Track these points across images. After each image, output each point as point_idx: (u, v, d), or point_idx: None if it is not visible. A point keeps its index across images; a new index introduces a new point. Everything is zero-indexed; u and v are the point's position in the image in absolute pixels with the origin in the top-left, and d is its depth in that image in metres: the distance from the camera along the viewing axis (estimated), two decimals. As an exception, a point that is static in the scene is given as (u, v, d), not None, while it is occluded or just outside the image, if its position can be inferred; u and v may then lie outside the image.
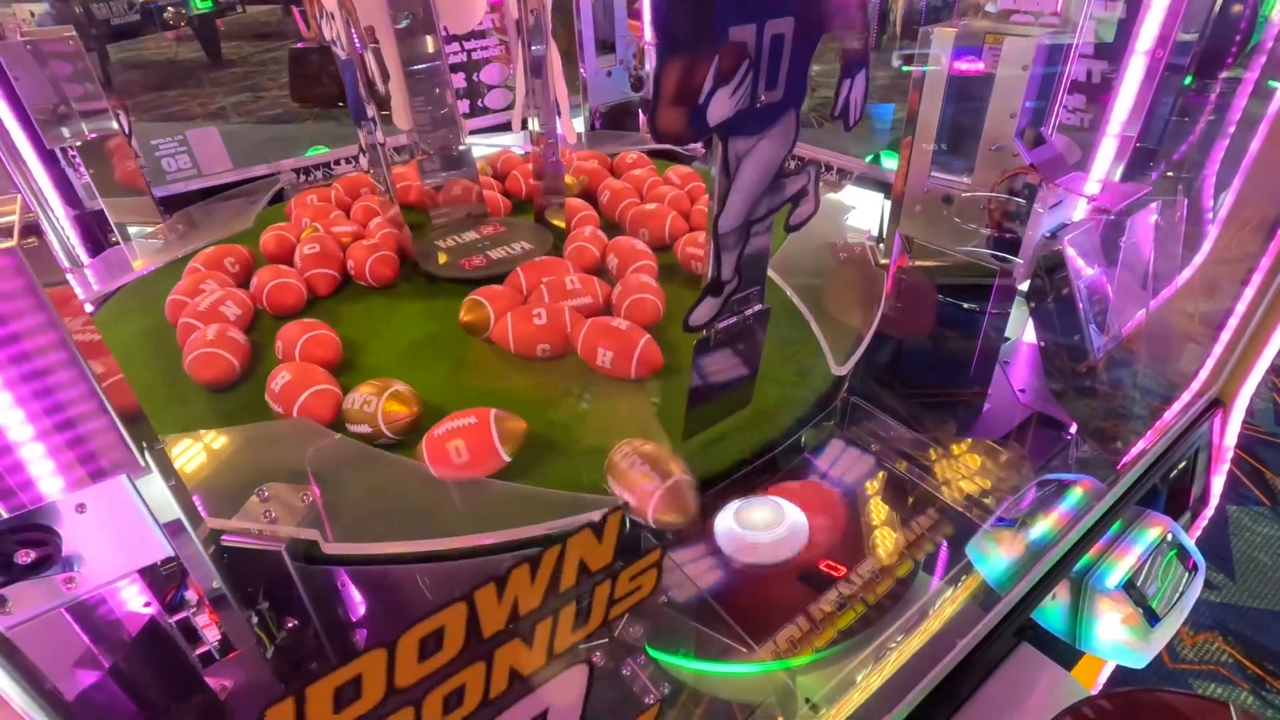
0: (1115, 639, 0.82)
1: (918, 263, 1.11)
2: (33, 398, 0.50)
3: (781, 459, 0.95)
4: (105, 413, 0.52)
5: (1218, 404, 1.12)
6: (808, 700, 0.68)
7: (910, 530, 0.86)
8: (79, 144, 1.41)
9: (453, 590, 0.24)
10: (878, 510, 0.91)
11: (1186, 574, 0.89)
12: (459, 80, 1.98)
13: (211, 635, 0.69)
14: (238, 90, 6.26)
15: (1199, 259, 1.12)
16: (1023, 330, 1.22)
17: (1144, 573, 0.85)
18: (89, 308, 1.29)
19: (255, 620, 0.71)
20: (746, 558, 0.80)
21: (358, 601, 0.79)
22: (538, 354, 1.06)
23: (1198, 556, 0.92)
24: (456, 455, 0.82)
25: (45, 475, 0.52)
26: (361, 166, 1.88)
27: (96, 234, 1.55)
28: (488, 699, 0.23)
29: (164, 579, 0.68)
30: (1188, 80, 1.35)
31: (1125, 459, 0.98)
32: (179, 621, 0.68)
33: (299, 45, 5.35)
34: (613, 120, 2.09)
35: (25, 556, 0.51)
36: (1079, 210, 1.03)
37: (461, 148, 1.47)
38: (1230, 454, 1.16)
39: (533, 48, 1.33)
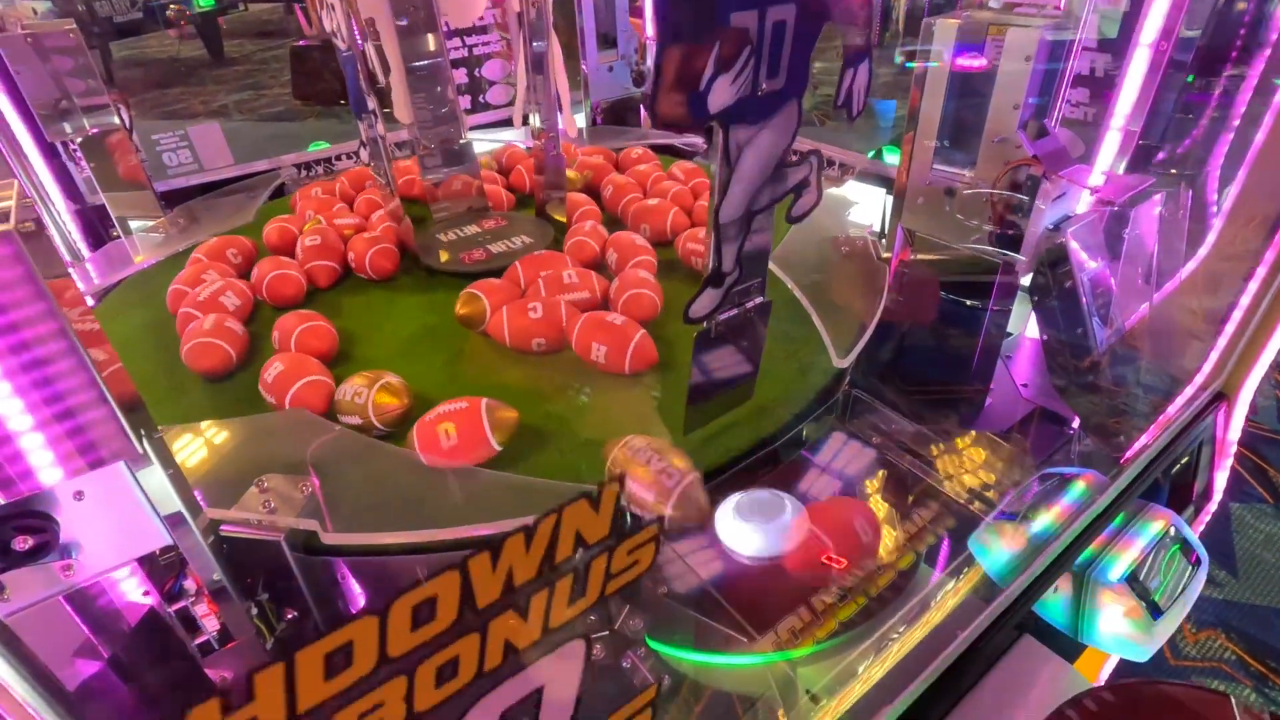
0: (1118, 632, 0.81)
1: (920, 256, 1.11)
2: (29, 384, 0.50)
3: (782, 452, 0.94)
4: (103, 400, 0.52)
5: (1221, 397, 1.11)
6: (808, 691, 0.68)
7: (912, 523, 0.85)
8: (80, 139, 1.41)
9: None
10: (879, 503, 0.90)
11: (1189, 568, 0.88)
12: (460, 75, 1.98)
13: (210, 625, 0.69)
14: (239, 88, 6.26)
15: (1203, 251, 1.12)
16: (1025, 325, 1.21)
17: (1147, 566, 0.85)
18: (89, 301, 1.29)
19: (255, 611, 0.70)
20: (748, 549, 0.79)
21: (357, 593, 0.79)
22: (533, 348, 1.06)
23: (1201, 550, 0.91)
24: (445, 438, 0.82)
25: (42, 462, 0.52)
26: (362, 160, 1.88)
27: (98, 228, 1.55)
28: (482, 672, 0.23)
29: (163, 569, 0.68)
30: (1190, 79, 1.34)
31: (1128, 453, 0.98)
32: (178, 611, 0.67)
33: (301, 43, 5.35)
34: (614, 116, 2.09)
35: (23, 543, 0.51)
36: (1082, 203, 1.03)
37: (462, 142, 1.46)
38: (1234, 448, 1.16)
39: (534, 43, 1.33)
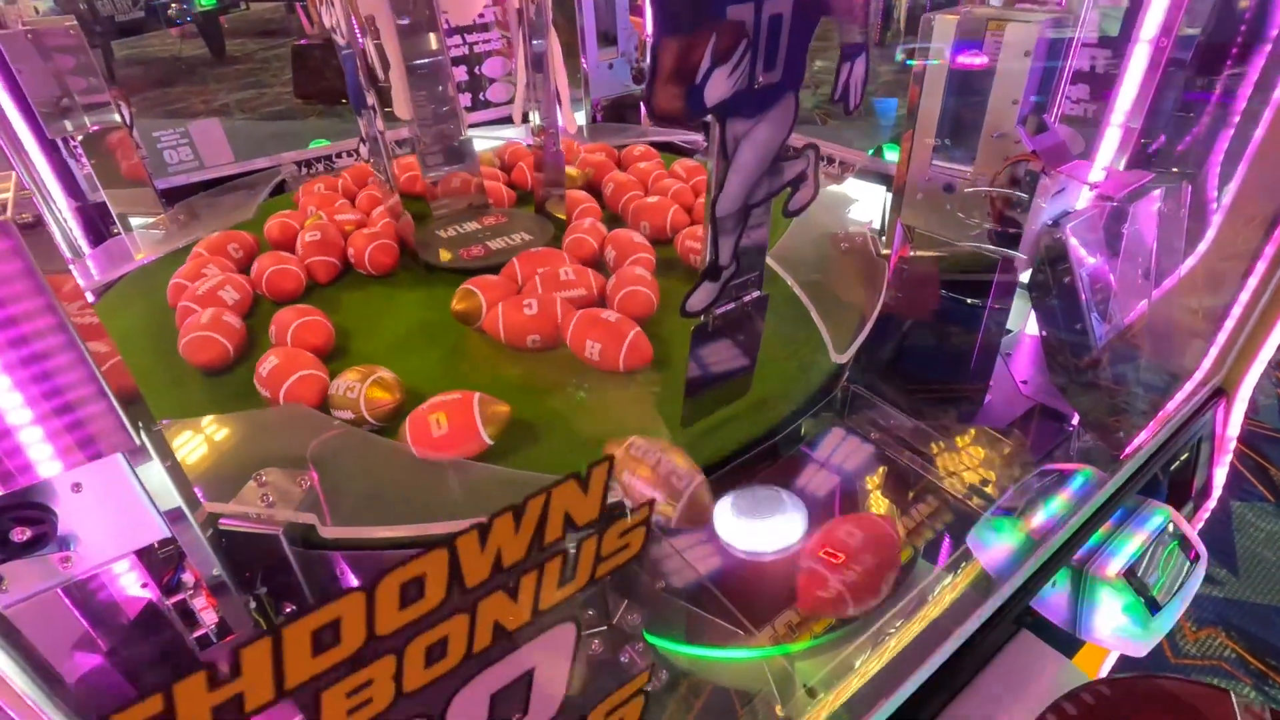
0: (1115, 627, 0.81)
1: (919, 252, 1.10)
2: (27, 375, 0.50)
3: (781, 447, 0.94)
4: (101, 392, 0.52)
5: (1220, 393, 1.11)
6: (805, 685, 0.68)
7: (910, 518, 0.85)
8: (81, 136, 1.41)
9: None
10: (880, 500, 0.90)
11: (1188, 563, 0.88)
12: (461, 73, 1.98)
13: (209, 619, 0.69)
14: (241, 87, 6.27)
15: (1202, 247, 1.11)
16: (1025, 322, 1.21)
17: (1145, 561, 0.85)
18: (90, 297, 1.30)
19: (253, 605, 0.71)
20: (745, 545, 0.80)
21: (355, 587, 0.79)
22: (528, 344, 1.06)
23: (1199, 546, 0.91)
24: (436, 427, 0.82)
25: (40, 454, 0.52)
26: (362, 156, 1.88)
27: (98, 225, 1.55)
28: (471, 652, 0.23)
29: (161, 562, 0.68)
30: (1198, 82, 1.34)
31: (1127, 450, 0.97)
32: (176, 605, 0.68)
33: (302, 42, 5.36)
34: (614, 113, 2.09)
35: (21, 534, 0.51)
36: (1082, 199, 1.03)
37: (462, 139, 1.46)
38: (1233, 444, 1.16)
39: (533, 42, 1.33)
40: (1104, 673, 1.14)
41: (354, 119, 1.31)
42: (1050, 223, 0.98)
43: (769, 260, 1.05)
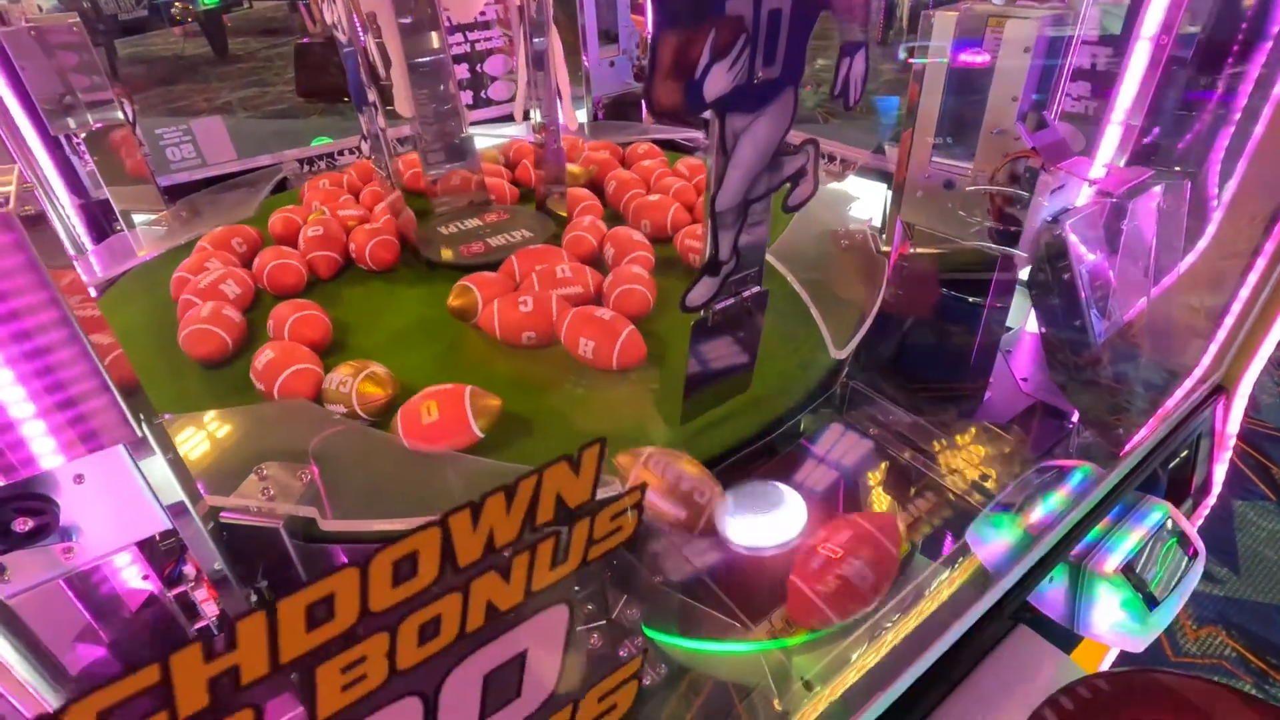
0: (1113, 622, 0.82)
1: (919, 250, 1.11)
2: (30, 369, 0.50)
3: (780, 443, 0.95)
4: (103, 383, 0.52)
5: (1220, 390, 1.11)
6: (802, 679, 0.68)
7: (908, 513, 0.86)
8: (84, 133, 1.42)
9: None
10: (879, 495, 0.90)
11: (1186, 559, 0.88)
12: (462, 71, 1.98)
13: (210, 611, 0.70)
14: (244, 85, 6.28)
15: (1202, 244, 1.11)
16: (1025, 319, 1.21)
17: (1143, 557, 0.85)
18: (92, 292, 1.30)
19: (254, 599, 0.71)
20: (744, 540, 0.80)
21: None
22: (523, 341, 1.06)
23: (1198, 542, 0.91)
24: (427, 414, 0.82)
25: (42, 445, 0.52)
26: (363, 153, 1.89)
27: (101, 222, 1.56)
28: (464, 632, 0.23)
29: (163, 554, 0.69)
30: (1202, 81, 1.34)
31: (1127, 446, 0.98)
32: (177, 597, 0.68)
33: (304, 40, 5.37)
34: (616, 111, 2.09)
35: (23, 524, 0.51)
36: (1082, 196, 1.03)
37: (463, 136, 1.47)
38: (1233, 441, 1.16)
39: (534, 40, 1.33)
40: (1103, 669, 1.14)
41: (356, 117, 1.31)
42: (1050, 219, 0.98)
43: (769, 257, 1.05)
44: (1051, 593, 0.86)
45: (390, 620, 0.21)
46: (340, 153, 1.93)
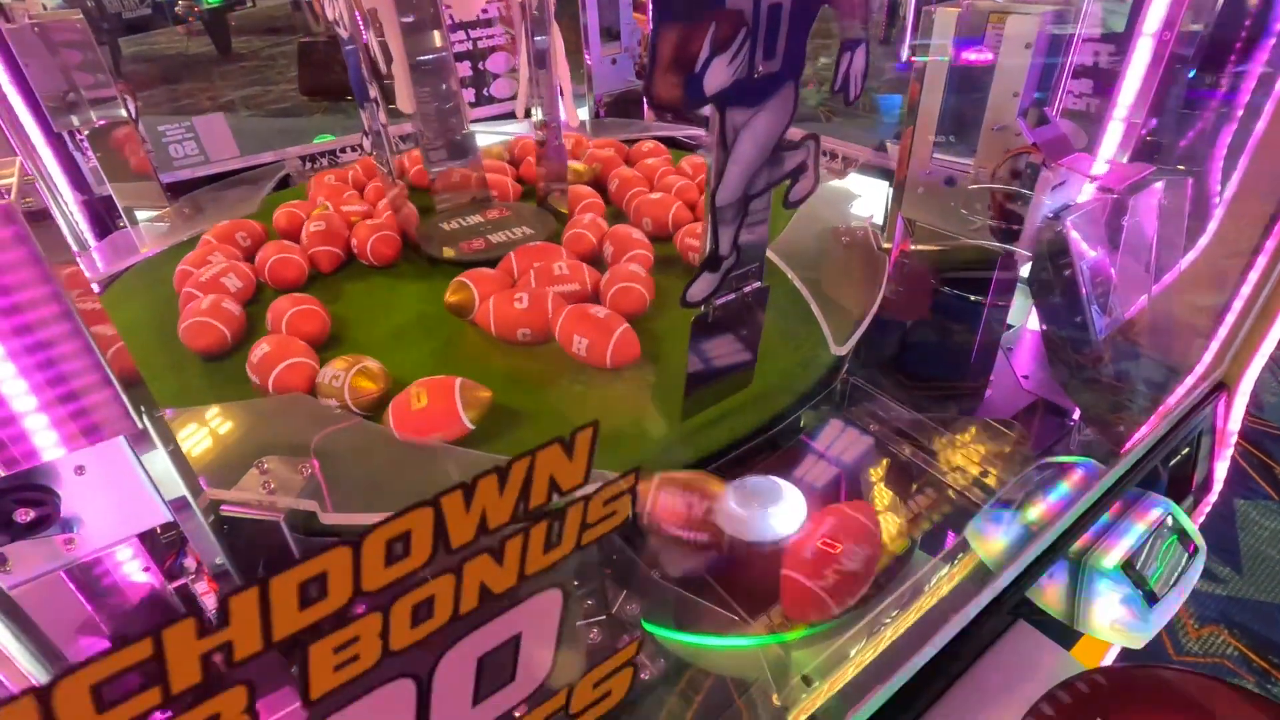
0: (1113, 618, 0.81)
1: (919, 247, 1.10)
2: (31, 360, 0.51)
3: (780, 439, 0.95)
4: (104, 375, 0.52)
5: (1221, 387, 1.11)
6: (801, 674, 0.68)
7: (908, 509, 0.86)
8: (87, 130, 1.42)
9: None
10: (879, 492, 0.90)
11: (1187, 556, 0.88)
12: (464, 69, 1.98)
13: (210, 604, 0.70)
14: (247, 84, 6.29)
15: (1204, 241, 1.11)
16: (1026, 317, 1.21)
17: (1144, 554, 0.85)
18: (95, 288, 1.31)
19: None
20: (743, 535, 0.80)
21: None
22: (518, 338, 1.06)
23: (1198, 540, 0.91)
24: (416, 400, 0.83)
25: (43, 437, 0.53)
26: (365, 150, 1.89)
27: (104, 219, 1.56)
28: (458, 614, 0.23)
29: (164, 546, 0.69)
30: (1192, 74, 1.34)
31: (1128, 444, 0.97)
32: (177, 589, 0.68)
33: (307, 39, 5.38)
34: (618, 108, 2.09)
35: (24, 515, 0.51)
36: (1083, 193, 1.03)
37: (465, 133, 1.47)
38: (1234, 439, 1.15)
39: (536, 37, 1.33)
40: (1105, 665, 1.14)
41: (358, 114, 1.31)
42: (1051, 216, 0.98)
43: (770, 253, 1.05)
44: (1051, 589, 0.86)
45: (383, 600, 0.21)
46: (343, 150, 1.93)
